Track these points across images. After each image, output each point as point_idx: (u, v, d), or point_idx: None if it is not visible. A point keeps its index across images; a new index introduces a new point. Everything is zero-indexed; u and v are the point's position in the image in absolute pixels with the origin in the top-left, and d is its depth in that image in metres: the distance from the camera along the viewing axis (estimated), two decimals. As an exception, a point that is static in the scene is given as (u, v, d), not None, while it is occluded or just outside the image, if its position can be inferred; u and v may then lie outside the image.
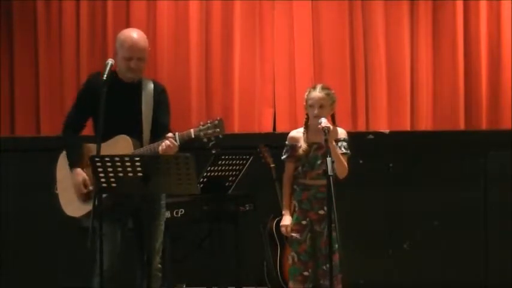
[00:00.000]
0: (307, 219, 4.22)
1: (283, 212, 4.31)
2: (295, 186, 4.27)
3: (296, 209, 4.26)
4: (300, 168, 4.24)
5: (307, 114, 4.25)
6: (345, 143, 4.21)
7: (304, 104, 4.25)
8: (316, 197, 4.20)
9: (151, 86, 4.15)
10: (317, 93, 4.17)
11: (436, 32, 6.13)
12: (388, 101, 6.11)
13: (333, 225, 3.90)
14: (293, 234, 4.23)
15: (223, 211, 4.99)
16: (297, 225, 4.24)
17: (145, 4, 6.12)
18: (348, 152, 4.20)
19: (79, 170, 4.04)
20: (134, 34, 4.05)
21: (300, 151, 4.20)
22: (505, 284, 5.70)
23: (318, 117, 4.07)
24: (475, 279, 5.78)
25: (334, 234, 3.87)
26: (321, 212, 4.18)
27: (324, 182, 3.94)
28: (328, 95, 4.19)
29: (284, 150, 4.31)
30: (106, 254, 3.88)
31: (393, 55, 6.11)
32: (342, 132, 4.26)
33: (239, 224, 5.14)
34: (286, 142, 4.32)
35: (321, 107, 4.15)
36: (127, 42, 4.01)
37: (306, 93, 4.23)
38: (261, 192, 5.28)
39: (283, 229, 4.28)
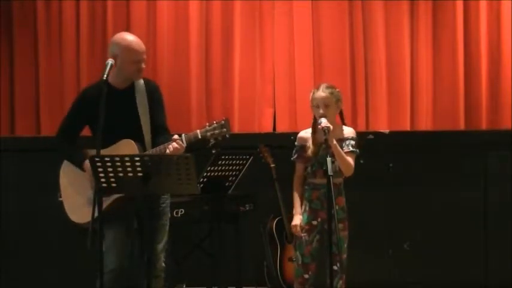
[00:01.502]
0: (318, 219, 4.19)
1: (294, 212, 4.29)
2: (305, 186, 4.26)
3: (306, 208, 4.24)
4: (309, 168, 4.23)
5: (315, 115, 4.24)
6: (352, 142, 4.20)
7: (311, 104, 4.24)
8: (326, 196, 4.18)
9: (142, 84, 4.14)
10: (320, 93, 4.16)
11: (436, 32, 6.13)
12: (388, 101, 6.11)
13: (340, 225, 4.00)
14: (303, 234, 4.21)
15: (223, 211, 4.99)
16: (307, 225, 4.22)
17: (145, 4, 6.12)
18: (355, 150, 4.19)
19: (87, 161, 4.00)
20: (133, 37, 4.06)
21: (309, 152, 4.20)
22: (505, 284, 5.70)
23: (324, 116, 4.07)
24: (475, 279, 5.78)
25: (341, 234, 3.92)
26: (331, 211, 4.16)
27: (333, 180, 3.95)
28: (332, 93, 4.18)
29: (294, 151, 4.30)
30: (114, 254, 3.89)
31: (393, 55, 6.11)
32: (350, 131, 4.25)
33: (239, 224, 5.15)
34: (296, 143, 4.31)
35: (326, 106, 4.14)
36: (133, 46, 4.01)
37: (311, 95, 4.22)
38: (261, 192, 5.28)
39: (293, 229, 4.25)
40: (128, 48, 4.01)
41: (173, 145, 3.84)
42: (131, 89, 4.11)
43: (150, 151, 3.99)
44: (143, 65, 4.06)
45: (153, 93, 4.15)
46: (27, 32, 6.16)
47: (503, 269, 5.74)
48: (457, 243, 5.80)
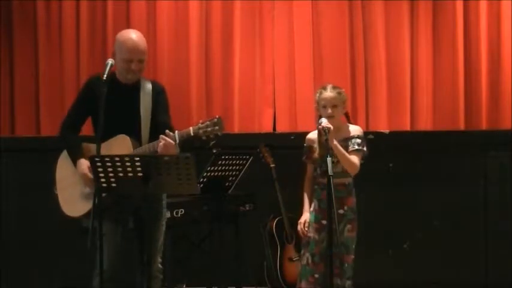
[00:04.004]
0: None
1: (303, 210, 4.31)
2: (315, 186, 4.27)
3: (316, 207, 4.24)
4: (318, 168, 4.24)
5: (319, 116, 4.23)
6: (358, 140, 4.21)
7: (315, 105, 4.24)
8: (335, 196, 4.17)
9: (149, 86, 4.13)
10: (329, 93, 4.18)
11: (436, 32, 6.13)
12: (388, 101, 6.11)
13: (349, 226, 4.07)
14: (310, 234, 4.22)
15: (223, 211, 4.99)
16: (316, 224, 4.22)
17: (145, 4, 6.12)
18: (361, 148, 4.20)
19: (83, 159, 3.99)
20: (133, 36, 4.03)
21: (316, 155, 4.21)
22: (505, 284, 5.70)
23: (332, 117, 4.09)
24: (475, 279, 5.78)
25: (348, 235, 3.96)
26: (341, 211, 4.14)
27: (341, 180, 4.00)
28: (339, 94, 4.21)
29: (303, 152, 4.32)
30: (106, 254, 3.88)
31: (393, 55, 6.11)
32: (356, 130, 4.26)
33: (239, 224, 5.15)
34: (305, 144, 4.33)
35: (334, 106, 4.16)
36: (127, 45, 3.98)
37: (317, 95, 4.22)
38: (261, 192, 5.28)
39: (299, 226, 4.27)
40: (120, 45, 4.01)
41: (161, 142, 3.80)
42: (137, 86, 4.10)
43: (141, 147, 3.97)
44: (134, 66, 3.99)
45: (158, 95, 4.14)
46: (27, 32, 6.15)
47: (503, 269, 5.74)
48: (457, 243, 5.80)
